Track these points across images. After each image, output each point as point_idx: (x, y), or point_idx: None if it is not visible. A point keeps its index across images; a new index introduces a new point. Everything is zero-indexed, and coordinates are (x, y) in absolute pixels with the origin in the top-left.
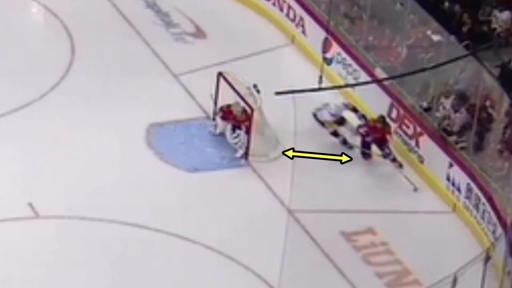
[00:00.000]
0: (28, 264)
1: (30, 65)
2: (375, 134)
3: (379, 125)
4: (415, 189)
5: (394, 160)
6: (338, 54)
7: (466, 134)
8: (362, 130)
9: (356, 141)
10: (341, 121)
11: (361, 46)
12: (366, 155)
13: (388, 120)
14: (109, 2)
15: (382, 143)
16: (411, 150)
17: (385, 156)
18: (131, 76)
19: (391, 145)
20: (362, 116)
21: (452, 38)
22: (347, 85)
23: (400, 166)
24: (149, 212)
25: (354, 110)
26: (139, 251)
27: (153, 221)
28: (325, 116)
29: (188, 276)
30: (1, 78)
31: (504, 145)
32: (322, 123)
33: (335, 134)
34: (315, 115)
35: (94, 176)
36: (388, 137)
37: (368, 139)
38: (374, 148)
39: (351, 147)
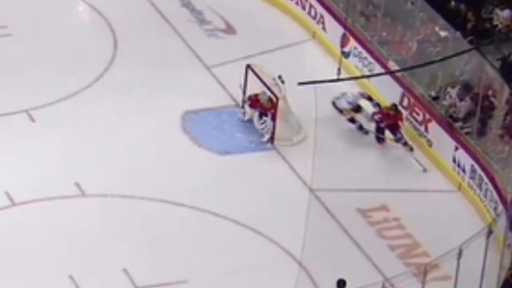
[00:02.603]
0: (74, 239)
1: (77, 59)
2: (388, 121)
3: (391, 112)
4: (424, 170)
5: (405, 144)
6: (355, 48)
7: (470, 121)
8: (376, 117)
9: (371, 126)
10: (357, 108)
11: (375, 41)
12: (380, 139)
13: (400, 107)
14: (147, 1)
15: (394, 129)
16: (420, 135)
17: (397, 140)
18: (168, 68)
19: (403, 130)
20: (377, 104)
21: (458, 34)
22: (363, 76)
23: (411, 149)
24: (184, 191)
25: (369, 98)
26: (175, 226)
27: (188, 199)
28: (343, 104)
29: (219, 249)
30: (51, 70)
31: (505, 130)
32: (340, 111)
33: (352, 120)
34: (334, 103)
35: (134, 158)
36: (400, 123)
37: (382, 125)
38: (387, 133)
39: (366, 132)
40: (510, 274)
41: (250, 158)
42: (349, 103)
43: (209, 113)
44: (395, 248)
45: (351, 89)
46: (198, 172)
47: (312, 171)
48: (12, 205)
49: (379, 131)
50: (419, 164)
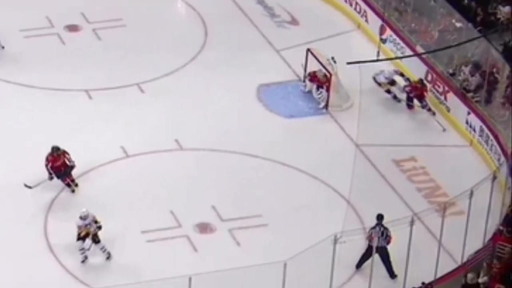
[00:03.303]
0: (174, 183)
1: (176, 43)
2: (416, 92)
3: (419, 85)
4: (444, 130)
5: (429, 109)
6: (391, 36)
7: (479, 92)
8: (407, 89)
9: (403, 96)
10: (392, 82)
11: (406, 30)
12: (410, 106)
13: (425, 82)
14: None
15: (421, 98)
16: (441, 102)
17: (423, 107)
18: (246, 51)
19: (427, 99)
20: (407, 79)
21: (470, 25)
22: (396, 57)
23: (434, 114)
24: (259, 146)
25: (402, 75)
26: (252, 173)
27: (262, 152)
28: (381, 79)
29: (285, 190)
30: (156, 53)
31: (506, 99)
32: (379, 84)
33: (388, 91)
34: (374, 78)
35: (220, 120)
36: (425, 93)
37: (411, 95)
38: (415, 101)
39: (399, 100)
40: (511, 210)
41: (310, 121)
42: (386, 78)
43: (278, 86)
44: (421, 190)
45: (387, 67)
46: (270, 131)
47: (357, 130)
48: (126, 156)
49: (409, 99)
50: (440, 125)
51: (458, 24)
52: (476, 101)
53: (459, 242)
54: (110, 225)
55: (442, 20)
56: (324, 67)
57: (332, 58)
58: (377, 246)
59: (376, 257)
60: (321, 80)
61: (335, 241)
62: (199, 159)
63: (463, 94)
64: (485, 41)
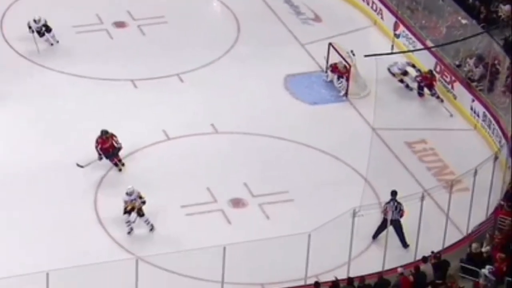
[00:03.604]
0: (210, 163)
1: (211, 38)
2: (426, 81)
3: (428, 76)
4: (451, 115)
5: (438, 97)
6: (403, 31)
7: (483, 81)
8: (418, 79)
9: (414, 85)
10: (405, 73)
11: (417, 27)
12: (420, 94)
13: (434, 72)
14: None
15: (430, 87)
16: (448, 91)
17: (432, 95)
18: (274, 45)
19: (436, 88)
20: (418, 70)
21: (474, 21)
22: (409, 50)
23: (442, 101)
24: (286, 129)
25: (413, 66)
26: (279, 154)
27: (288, 135)
28: (395, 70)
29: (309, 169)
30: (195, 46)
31: (506, 88)
32: (393, 74)
33: (401, 81)
34: (388, 69)
35: (251, 107)
36: (434, 83)
37: (422, 84)
38: (426, 90)
39: (411, 89)
40: (511, 187)
41: (331, 107)
42: (399, 69)
43: (303, 76)
44: (431, 169)
45: (400, 60)
46: (295, 117)
47: (374, 115)
48: (167, 139)
49: (420, 88)
50: (448, 111)
51: (464, 21)
52: (480, 90)
53: (465, 215)
54: (153, 200)
55: (449, 17)
56: (344, 59)
57: (351, 51)
58: (391, 219)
59: (390, 229)
60: (341, 71)
61: (354, 214)
62: (233, 141)
63: (468, 83)
64: (488, 36)
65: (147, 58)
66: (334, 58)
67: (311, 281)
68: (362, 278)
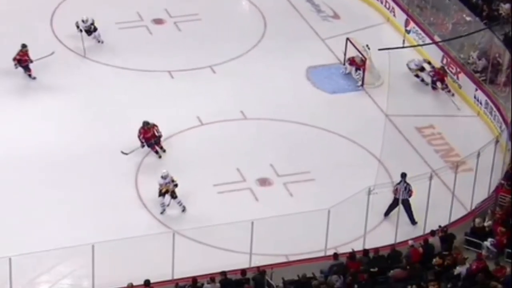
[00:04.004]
0: (239, 146)
1: (241, 34)
2: (439, 76)
3: (441, 71)
4: (458, 109)
5: (449, 91)
6: (414, 27)
7: (485, 72)
8: (431, 74)
9: (429, 80)
10: (421, 69)
11: (426, 23)
12: (434, 88)
13: (446, 68)
14: None
15: (442, 81)
16: (454, 81)
17: (444, 88)
18: (297, 40)
19: (448, 82)
20: (433, 67)
21: (477, 19)
22: (418, 45)
23: (453, 95)
24: (308, 116)
25: (429, 63)
26: (302, 138)
27: (309, 120)
28: (412, 65)
29: (328, 152)
30: (225, 41)
31: (506, 79)
32: (410, 69)
33: (417, 76)
34: (407, 65)
35: (277, 95)
36: (445, 78)
37: (435, 79)
38: (438, 84)
39: (427, 84)
40: (510, 167)
41: (349, 96)
42: (416, 65)
43: (323, 68)
44: (438, 151)
45: (412, 53)
46: (316, 104)
47: (387, 103)
48: (201, 125)
49: (434, 82)
50: (455, 104)
51: (468, 18)
52: (483, 80)
53: (469, 193)
54: (188, 179)
55: (455, 15)
56: (360, 52)
57: (367, 45)
58: (402, 199)
59: (400, 207)
60: (358, 64)
61: (369, 192)
62: (259, 127)
63: (472, 74)
64: (490, 32)
65: (183, 51)
66: (351, 52)
67: (330, 252)
68: (376, 249)
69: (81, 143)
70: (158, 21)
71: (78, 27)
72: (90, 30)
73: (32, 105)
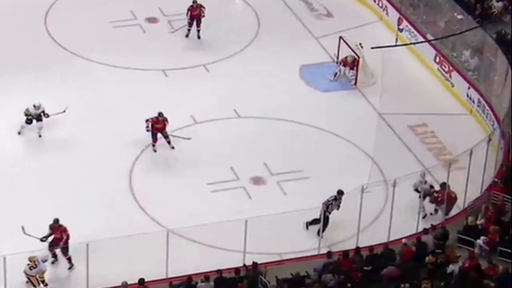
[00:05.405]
0: (233, 144)
1: (235, 32)
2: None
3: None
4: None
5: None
6: (406, 26)
7: (477, 71)
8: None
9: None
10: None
11: (419, 22)
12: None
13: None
14: None
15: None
16: (446, 79)
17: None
18: (291, 39)
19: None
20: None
21: (469, 17)
22: (411, 43)
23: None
24: (301, 114)
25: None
26: (296, 136)
27: (303, 119)
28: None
29: (322, 150)
30: (219, 39)
31: (499, 77)
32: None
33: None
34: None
35: (271, 93)
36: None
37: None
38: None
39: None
40: (502, 166)
41: (342, 94)
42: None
43: (317, 66)
44: (431, 149)
45: (405, 52)
46: (309, 103)
47: (380, 101)
48: (194, 123)
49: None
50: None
51: (460, 17)
52: (475, 78)
53: (461, 191)
54: (182, 178)
55: (447, 13)
56: (353, 51)
57: (360, 44)
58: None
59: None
60: (350, 64)
61: (362, 190)
62: (253, 125)
63: (464, 73)
64: (482, 30)
65: (176, 50)
66: (345, 51)
67: (324, 250)
68: (370, 248)
69: (74, 142)
70: (152, 20)
71: (27, 115)
72: (39, 118)
73: (24, 103)
